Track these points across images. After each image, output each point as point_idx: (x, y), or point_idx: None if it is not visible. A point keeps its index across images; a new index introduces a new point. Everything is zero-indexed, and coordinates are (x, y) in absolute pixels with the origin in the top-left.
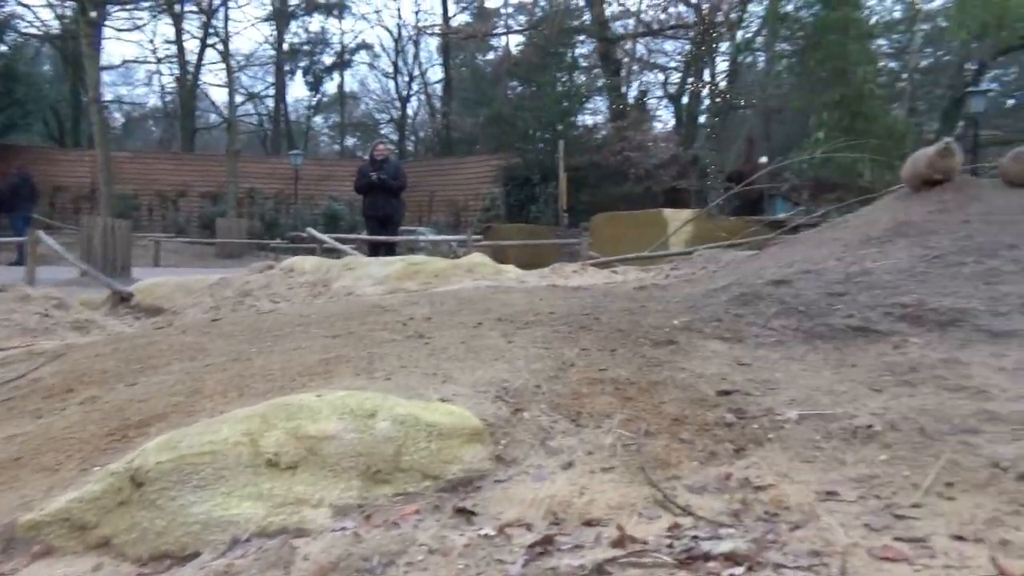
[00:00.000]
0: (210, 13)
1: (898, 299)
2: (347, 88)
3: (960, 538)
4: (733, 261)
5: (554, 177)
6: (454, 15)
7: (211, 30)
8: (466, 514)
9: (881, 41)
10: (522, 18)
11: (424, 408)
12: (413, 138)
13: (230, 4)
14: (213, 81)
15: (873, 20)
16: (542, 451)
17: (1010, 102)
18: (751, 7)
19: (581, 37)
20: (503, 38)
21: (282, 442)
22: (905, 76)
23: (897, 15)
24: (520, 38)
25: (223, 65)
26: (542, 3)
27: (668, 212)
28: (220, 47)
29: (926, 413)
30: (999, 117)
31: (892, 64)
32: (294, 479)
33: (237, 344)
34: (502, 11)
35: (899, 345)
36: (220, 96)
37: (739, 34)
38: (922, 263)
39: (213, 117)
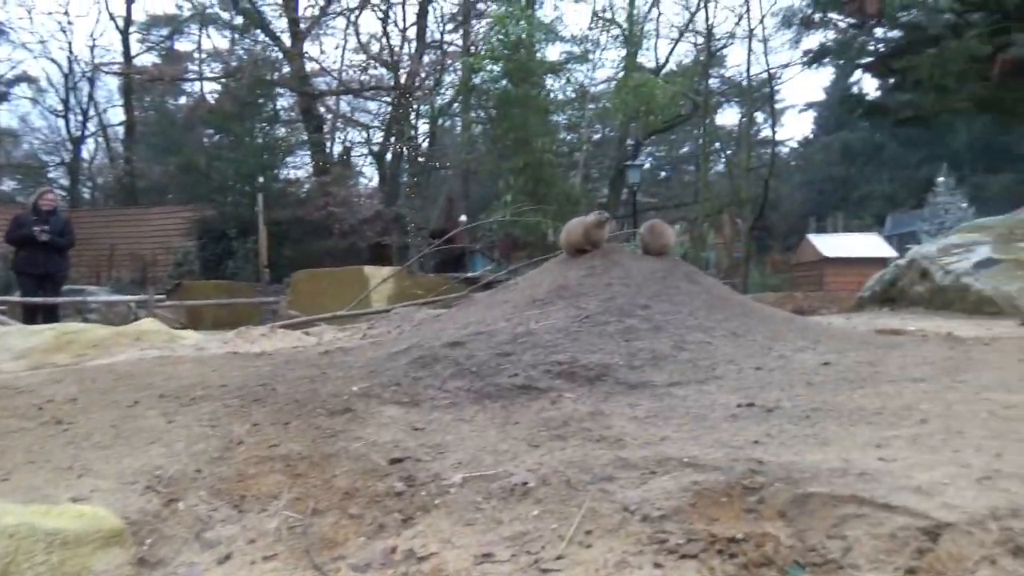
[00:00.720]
0: None
1: (555, 357)
2: (4, 124)
3: None
4: (424, 320)
5: (254, 231)
6: (138, 54)
7: None
8: None
9: (559, 116)
10: (217, 65)
11: (45, 513)
12: (90, 184)
13: None
14: None
15: (551, 97)
16: (197, 545)
17: (663, 173)
18: (447, 76)
19: (281, 90)
20: (196, 84)
21: None
22: (580, 148)
23: (571, 95)
24: (216, 85)
25: None
26: (239, 51)
27: (369, 269)
28: None
29: (573, 465)
30: (655, 186)
31: (570, 136)
32: None
33: None
34: (195, 55)
35: (555, 400)
36: None
37: (437, 99)
38: (575, 323)
39: None
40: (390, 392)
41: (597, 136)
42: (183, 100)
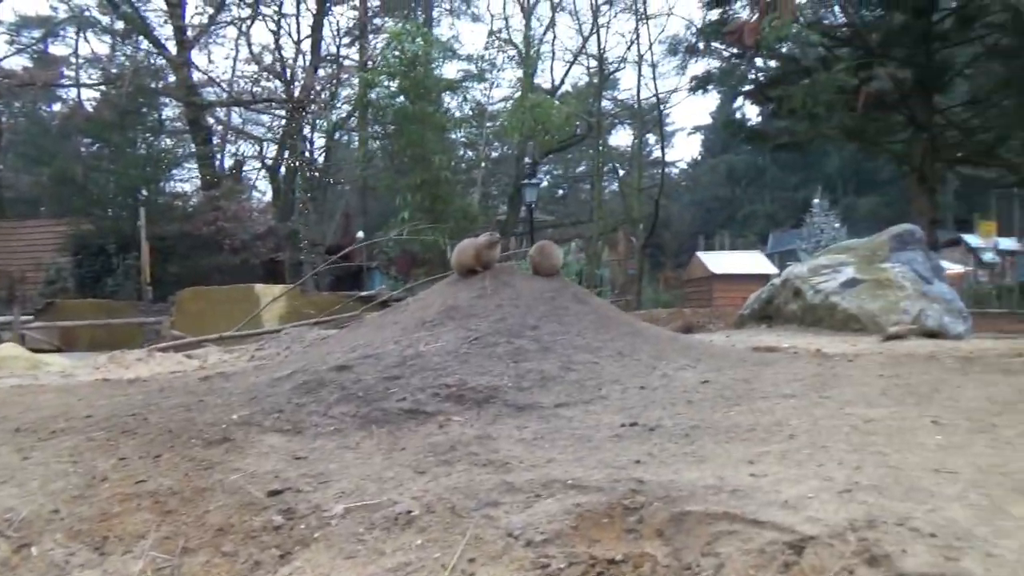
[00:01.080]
0: None
1: (444, 380)
2: None
3: None
4: (313, 341)
5: (135, 246)
6: (5, 56)
7: None
8: None
9: (457, 133)
10: (96, 71)
11: None
12: None
13: None
14: None
15: (449, 115)
16: None
17: (561, 192)
18: (343, 91)
19: (166, 99)
20: (73, 90)
21: None
22: (478, 166)
23: (469, 113)
24: (94, 92)
25: None
26: (119, 58)
27: (260, 287)
28: None
29: (458, 491)
30: (553, 203)
31: (468, 154)
32: None
33: None
34: (72, 60)
35: (443, 425)
36: None
37: (333, 114)
38: (465, 345)
39: None
40: (272, 420)
41: (496, 154)
42: (57, 107)
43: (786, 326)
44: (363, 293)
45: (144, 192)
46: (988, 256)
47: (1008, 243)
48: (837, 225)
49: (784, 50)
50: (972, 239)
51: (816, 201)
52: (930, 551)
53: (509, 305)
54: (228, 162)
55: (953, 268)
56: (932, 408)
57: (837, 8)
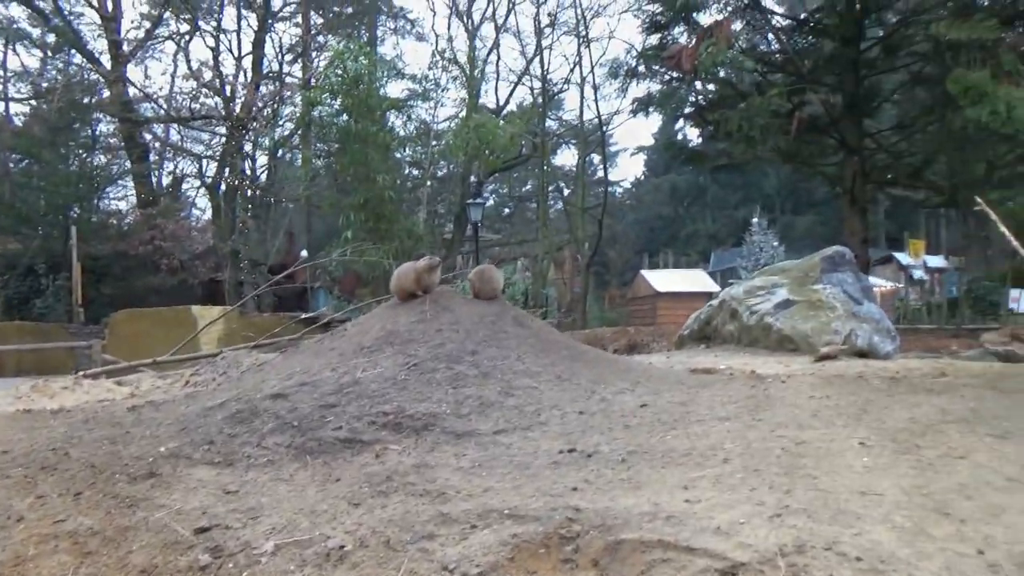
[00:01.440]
0: None
1: (382, 408)
2: None
3: None
4: (250, 367)
5: (66, 267)
6: None
7: None
8: None
9: (402, 152)
10: (25, 86)
11: None
12: None
13: None
14: None
15: (393, 134)
16: None
17: (507, 210)
18: (286, 108)
19: (100, 115)
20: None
21: None
22: (423, 185)
23: (413, 132)
24: (23, 107)
25: None
26: (50, 71)
27: (197, 309)
28: None
29: (394, 524)
30: (500, 222)
31: (415, 172)
32: None
33: None
34: None
35: (380, 454)
36: None
37: (275, 132)
38: (404, 371)
39: None
40: (202, 452)
41: (441, 173)
42: None
43: (724, 346)
44: (305, 315)
45: (76, 210)
46: (918, 273)
47: (936, 261)
48: (776, 243)
49: (721, 75)
50: (903, 257)
51: (755, 220)
52: (856, 575)
53: (449, 330)
54: (166, 180)
55: (885, 285)
56: (860, 430)
57: (771, 35)
